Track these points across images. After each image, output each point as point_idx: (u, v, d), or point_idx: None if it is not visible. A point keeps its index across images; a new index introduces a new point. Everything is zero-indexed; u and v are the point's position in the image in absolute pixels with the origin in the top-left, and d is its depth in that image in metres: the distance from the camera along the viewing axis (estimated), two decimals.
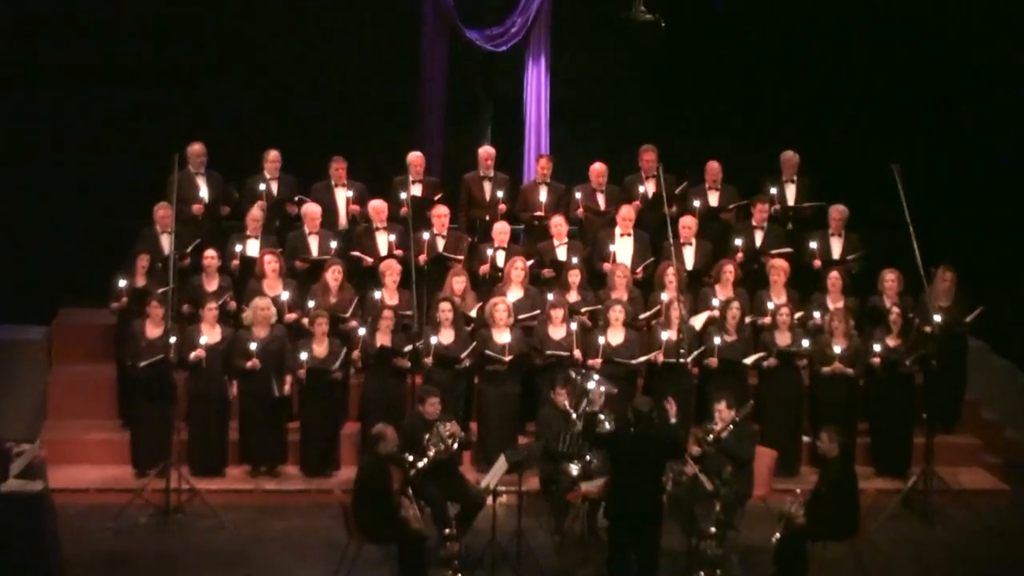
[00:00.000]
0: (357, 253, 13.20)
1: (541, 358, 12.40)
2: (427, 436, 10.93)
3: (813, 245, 13.50)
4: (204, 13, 14.99)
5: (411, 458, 10.80)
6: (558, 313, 12.42)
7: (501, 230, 13.31)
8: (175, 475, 11.60)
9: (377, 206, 13.32)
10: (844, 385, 12.49)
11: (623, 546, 9.86)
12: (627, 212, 13.37)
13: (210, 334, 12.17)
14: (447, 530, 10.60)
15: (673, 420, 10.72)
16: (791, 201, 14.11)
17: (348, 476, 11.58)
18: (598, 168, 13.92)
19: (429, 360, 12.10)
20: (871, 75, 15.81)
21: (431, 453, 10.84)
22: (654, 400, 10.37)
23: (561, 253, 13.31)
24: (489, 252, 13.19)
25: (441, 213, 13.31)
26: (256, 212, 13.25)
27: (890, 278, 13.07)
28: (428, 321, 12.49)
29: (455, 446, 11.02)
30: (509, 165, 14.64)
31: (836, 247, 13.61)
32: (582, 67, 15.90)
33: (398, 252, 13.00)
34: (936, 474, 12.05)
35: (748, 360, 12.42)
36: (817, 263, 13.43)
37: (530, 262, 13.09)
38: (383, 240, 13.23)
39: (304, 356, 12.05)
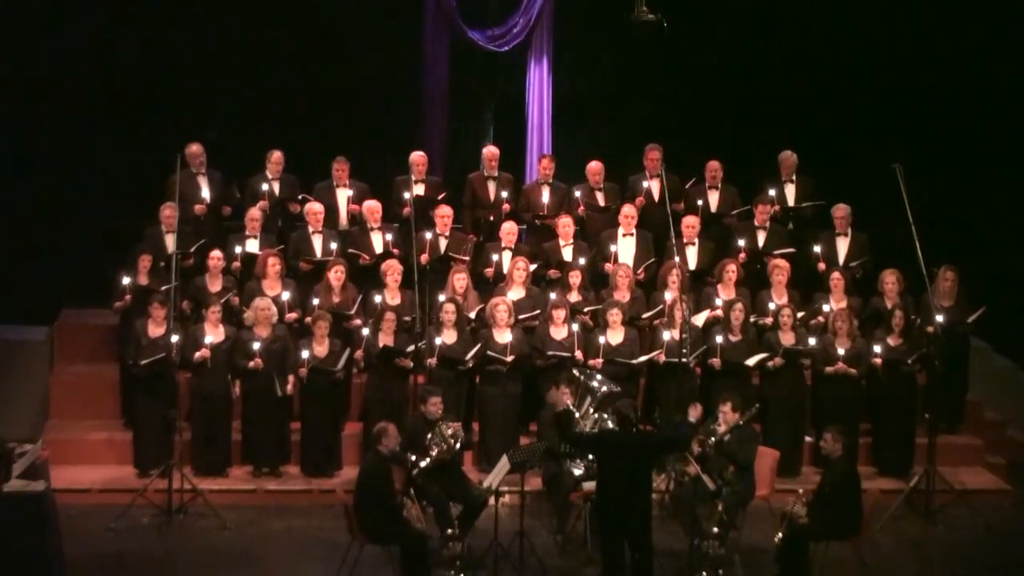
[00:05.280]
0: (354, 251, 13.20)
1: (543, 359, 12.40)
2: (429, 436, 10.94)
3: (817, 249, 13.49)
4: (207, 13, 14.99)
5: (413, 458, 10.81)
6: (559, 313, 12.42)
7: (509, 230, 13.31)
8: (177, 475, 11.61)
9: (371, 206, 13.34)
10: (847, 385, 12.48)
11: (614, 547, 9.88)
12: (629, 211, 13.39)
13: (214, 334, 12.19)
14: (449, 530, 10.59)
15: (692, 420, 10.76)
16: (791, 201, 14.10)
17: (350, 476, 11.59)
18: (595, 166, 13.93)
19: (433, 361, 12.11)
20: (874, 74, 15.80)
21: (433, 453, 10.85)
22: (650, 403, 10.38)
23: (567, 253, 13.32)
24: (495, 257, 13.18)
25: (445, 214, 13.33)
26: (255, 212, 13.27)
27: (891, 279, 13.06)
28: (431, 321, 12.49)
29: (457, 446, 11.03)
30: (511, 165, 14.64)
31: (842, 247, 13.59)
32: (584, 67, 15.90)
33: (395, 251, 13.02)
34: (938, 474, 12.05)
35: (751, 361, 12.41)
36: (822, 266, 13.42)
37: (534, 266, 13.08)
38: (378, 240, 13.25)
39: (305, 355, 12.06)
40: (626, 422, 10.00)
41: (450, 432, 10.99)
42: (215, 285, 12.75)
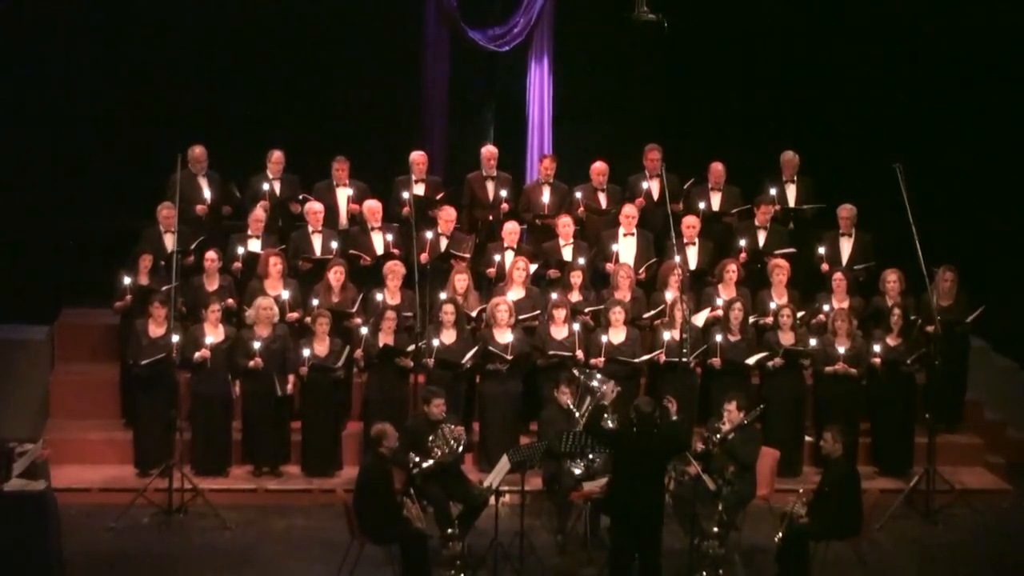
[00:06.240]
0: (355, 252, 13.20)
1: (543, 358, 12.40)
2: (431, 437, 10.93)
3: (821, 251, 13.48)
4: (206, 13, 15.00)
5: (416, 459, 10.80)
6: (560, 313, 12.42)
7: (511, 230, 13.29)
8: (178, 475, 11.61)
9: (372, 206, 13.34)
10: (847, 385, 12.48)
11: (624, 545, 9.86)
12: (630, 211, 13.39)
13: (214, 334, 12.19)
14: (449, 530, 10.59)
15: (674, 418, 10.77)
16: (792, 202, 14.10)
17: (350, 476, 11.58)
18: (599, 167, 13.92)
19: (431, 362, 12.10)
20: (874, 75, 15.80)
21: (436, 455, 10.83)
22: (655, 399, 10.38)
23: (567, 253, 13.31)
24: (497, 257, 13.18)
25: (449, 217, 13.31)
26: (259, 213, 13.27)
27: (892, 279, 13.07)
28: (431, 321, 12.49)
29: (459, 449, 11.02)
30: (512, 165, 14.64)
31: (846, 248, 13.58)
32: (585, 67, 15.88)
33: (395, 251, 13.03)
34: (938, 474, 12.05)
35: (751, 360, 12.42)
36: (825, 267, 13.42)
37: (534, 266, 13.08)
38: (378, 240, 13.25)
39: (306, 353, 12.06)
40: (644, 420, 9.90)
41: (453, 435, 10.98)
42: (212, 285, 12.74)
